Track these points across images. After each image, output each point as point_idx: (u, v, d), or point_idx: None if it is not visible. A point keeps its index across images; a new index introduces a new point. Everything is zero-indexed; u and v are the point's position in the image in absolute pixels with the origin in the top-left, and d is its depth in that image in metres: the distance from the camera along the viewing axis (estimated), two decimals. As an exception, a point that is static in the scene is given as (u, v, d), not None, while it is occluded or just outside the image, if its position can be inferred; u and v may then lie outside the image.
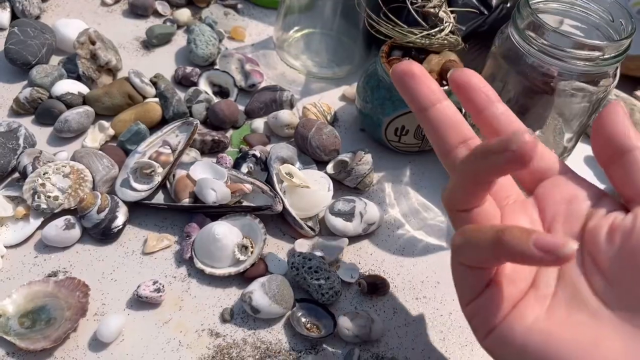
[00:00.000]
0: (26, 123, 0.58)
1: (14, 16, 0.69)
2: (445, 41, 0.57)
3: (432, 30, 0.56)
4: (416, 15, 0.57)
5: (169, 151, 0.54)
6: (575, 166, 0.63)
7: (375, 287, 0.49)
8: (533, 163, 0.31)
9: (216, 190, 0.51)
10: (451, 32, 0.58)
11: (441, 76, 0.56)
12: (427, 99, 0.38)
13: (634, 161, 0.33)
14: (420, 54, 0.58)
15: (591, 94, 0.50)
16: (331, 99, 0.66)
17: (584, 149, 0.66)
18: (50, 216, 0.51)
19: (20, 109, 0.59)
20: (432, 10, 0.57)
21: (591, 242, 0.33)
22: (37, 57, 0.62)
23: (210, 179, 0.51)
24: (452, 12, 0.58)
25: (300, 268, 0.47)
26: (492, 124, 0.38)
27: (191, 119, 0.57)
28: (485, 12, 0.65)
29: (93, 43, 0.62)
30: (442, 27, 0.56)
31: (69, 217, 0.50)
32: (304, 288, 0.48)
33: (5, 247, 0.49)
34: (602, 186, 0.62)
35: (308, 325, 0.47)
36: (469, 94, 0.38)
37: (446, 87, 0.55)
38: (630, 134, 0.33)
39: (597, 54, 0.46)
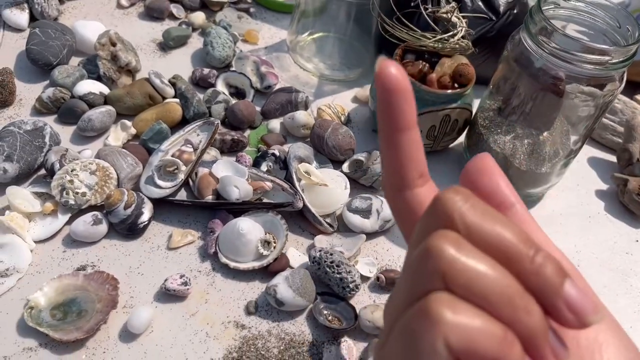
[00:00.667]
0: (49, 122, 0.59)
1: (32, 17, 0.71)
2: (457, 45, 0.59)
3: (446, 35, 0.58)
4: (429, 20, 0.59)
5: (191, 150, 0.56)
6: (579, 165, 0.66)
7: (394, 281, 0.51)
8: None
9: (239, 188, 0.52)
10: (463, 37, 0.60)
11: (453, 79, 0.58)
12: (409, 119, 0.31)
13: (519, 220, 0.26)
14: (432, 57, 0.60)
15: (597, 98, 0.52)
16: (344, 101, 0.68)
17: (588, 150, 0.68)
18: (77, 212, 0.52)
19: (43, 108, 0.60)
20: (445, 15, 0.59)
21: None
22: (58, 58, 0.64)
23: (233, 176, 0.53)
24: (463, 17, 0.60)
25: (322, 262, 0.49)
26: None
27: (212, 118, 0.58)
28: (494, 18, 0.68)
29: (114, 44, 0.63)
30: (455, 31, 0.58)
31: (96, 213, 0.51)
32: (324, 282, 0.50)
33: (35, 241, 0.50)
34: (604, 187, 0.64)
35: (330, 318, 0.48)
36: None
37: (459, 90, 0.57)
38: (509, 191, 0.26)
39: (605, 58, 0.48)
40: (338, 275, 0.49)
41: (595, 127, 0.57)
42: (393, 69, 0.26)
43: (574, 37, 0.49)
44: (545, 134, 0.58)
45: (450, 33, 0.58)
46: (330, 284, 0.50)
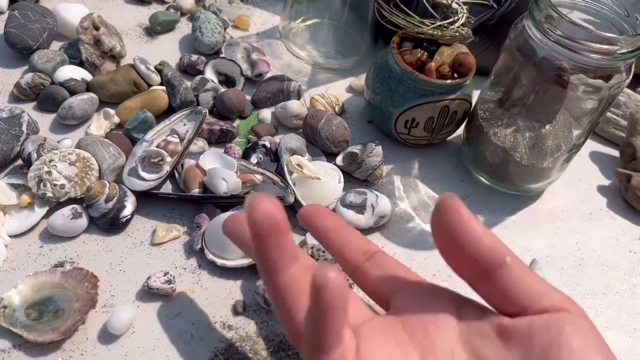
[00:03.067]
0: (28, 109, 0.56)
1: (11, -1, 0.67)
2: (457, 33, 0.57)
3: (445, 22, 0.55)
4: (427, 6, 0.56)
5: (177, 140, 0.53)
6: (581, 160, 0.64)
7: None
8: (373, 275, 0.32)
9: (227, 181, 0.50)
10: (462, 24, 0.57)
11: (453, 68, 0.56)
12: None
13: (511, 277, 0.29)
14: (430, 45, 0.57)
15: (602, 90, 0.50)
16: (338, 90, 0.66)
17: (590, 145, 0.66)
18: (55, 205, 0.49)
19: (21, 94, 0.57)
20: (444, 1, 0.56)
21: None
22: (38, 42, 0.60)
23: (221, 169, 0.51)
24: (464, 4, 0.58)
25: (315, 260, 0.47)
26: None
27: (200, 107, 0.56)
28: (495, 5, 0.65)
29: (97, 28, 0.60)
30: (455, 18, 0.56)
31: (75, 206, 0.48)
32: None
33: (10, 236, 0.47)
34: (607, 182, 0.62)
35: (321, 318, 0.46)
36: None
37: (458, 80, 0.55)
38: (500, 247, 0.29)
39: (614, 47, 0.46)
40: None
41: (599, 121, 0.54)
42: (263, 205, 0.27)
43: (581, 25, 0.47)
44: (547, 127, 0.56)
45: (451, 20, 0.55)
46: None
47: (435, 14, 0.56)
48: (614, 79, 0.49)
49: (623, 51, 0.46)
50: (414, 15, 0.56)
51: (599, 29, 0.50)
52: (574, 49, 0.47)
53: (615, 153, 0.65)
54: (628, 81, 0.50)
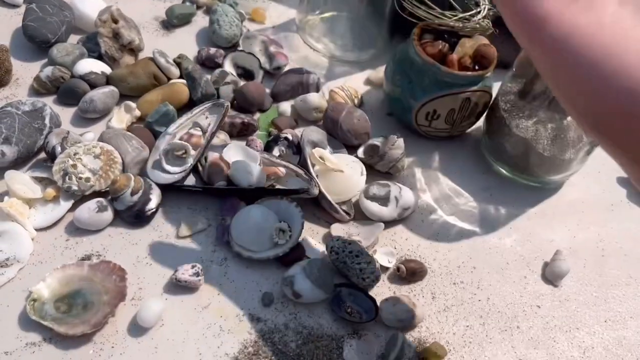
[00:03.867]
0: (48, 103, 0.56)
1: (27, -7, 0.67)
2: (478, 25, 0.57)
3: (468, 14, 0.55)
4: (449, -1, 0.56)
5: (200, 133, 0.53)
6: (600, 152, 0.63)
7: (414, 272, 0.49)
8: None
9: (253, 174, 0.50)
10: (484, 16, 0.57)
11: (474, 60, 0.56)
12: None
13: None
14: (451, 37, 0.57)
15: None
16: (356, 83, 0.65)
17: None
18: (80, 198, 0.49)
19: (41, 88, 0.57)
20: (466, -7, 0.56)
21: None
22: (56, 35, 0.60)
23: (246, 161, 0.50)
24: (485, -5, 0.57)
25: (340, 252, 0.47)
26: None
27: (221, 100, 0.56)
28: (513, -3, 0.65)
29: (115, 21, 0.60)
30: (478, 10, 0.55)
31: (100, 199, 0.48)
32: (343, 272, 0.48)
33: (36, 229, 0.47)
34: (627, 173, 0.62)
35: (349, 310, 0.46)
36: None
37: (481, 72, 0.55)
38: None
39: None
40: (358, 266, 0.46)
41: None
42: None
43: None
44: (569, 118, 0.55)
45: (473, 11, 0.55)
46: (349, 275, 0.47)
47: (456, 6, 0.56)
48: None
49: None
50: (435, 7, 0.56)
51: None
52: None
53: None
54: None
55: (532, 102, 0.55)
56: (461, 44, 0.56)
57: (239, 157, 0.52)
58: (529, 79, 0.54)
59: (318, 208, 0.53)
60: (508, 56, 0.58)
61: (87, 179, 0.48)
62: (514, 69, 0.56)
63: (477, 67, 0.56)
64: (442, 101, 0.56)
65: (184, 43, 0.66)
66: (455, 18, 0.55)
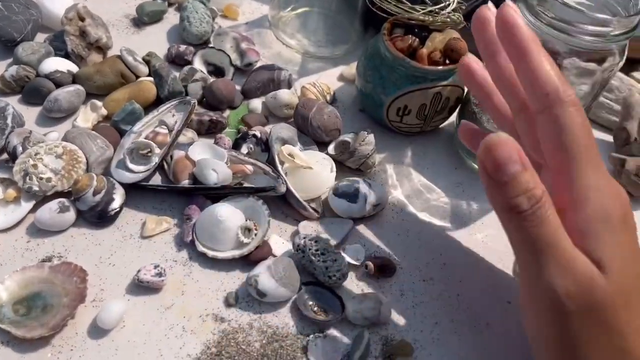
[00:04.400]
0: (13, 102, 0.55)
1: (-5, -9, 0.66)
2: (448, 19, 0.56)
3: (436, 7, 0.54)
4: (418, -8, 0.55)
5: (166, 131, 0.52)
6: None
7: (382, 268, 0.48)
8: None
9: (217, 171, 0.49)
10: (453, 9, 0.56)
11: (445, 54, 0.55)
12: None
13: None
14: (422, 32, 0.57)
15: (596, 74, 0.49)
16: (329, 79, 0.65)
17: (583, 130, 0.65)
18: (42, 199, 0.48)
19: (5, 87, 0.56)
20: (435, -14, 0.55)
21: None
22: (22, 34, 0.59)
23: (211, 159, 0.50)
24: (455, -12, 0.57)
25: (306, 250, 0.46)
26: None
27: (188, 98, 0.55)
28: (486, -10, 0.64)
29: (82, 19, 0.59)
30: (446, 3, 0.55)
31: (62, 199, 0.48)
32: (309, 271, 0.47)
33: (-4, 231, 0.47)
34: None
35: (315, 309, 0.45)
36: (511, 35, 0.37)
37: (451, 66, 0.54)
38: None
39: (606, 29, 0.45)
40: (323, 264, 0.46)
41: (592, 105, 0.54)
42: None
43: (574, 7, 0.46)
44: (540, 112, 0.55)
45: (442, 5, 0.55)
46: (315, 273, 0.47)
47: (426, 0, 0.55)
48: (607, 61, 0.49)
49: (616, 33, 0.46)
50: (405, 1, 0.55)
51: (593, 11, 0.49)
52: (566, 31, 0.46)
53: (609, 138, 0.64)
54: (621, 64, 0.50)
55: (503, 95, 0.54)
56: (431, 39, 0.55)
57: (206, 155, 0.51)
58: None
59: (286, 206, 0.52)
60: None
61: (49, 179, 0.48)
62: (484, 63, 0.55)
63: (447, 62, 0.55)
64: (413, 96, 0.55)
65: (154, 41, 0.66)
66: (423, 11, 0.54)
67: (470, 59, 0.44)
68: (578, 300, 0.33)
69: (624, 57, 0.49)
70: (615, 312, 0.34)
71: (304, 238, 0.47)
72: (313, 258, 0.46)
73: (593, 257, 0.34)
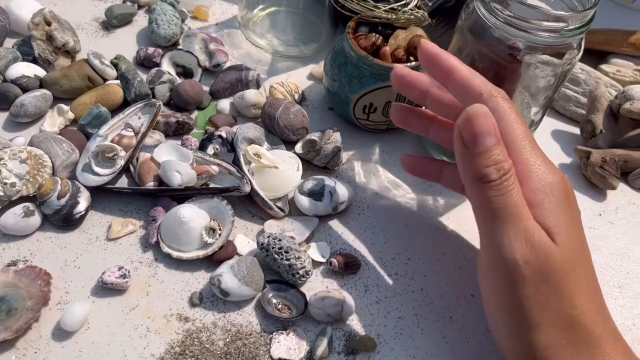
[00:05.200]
0: (-20, 108, 0.55)
1: (-37, -3, 0.66)
2: (412, 16, 0.56)
3: (397, 4, 0.55)
4: (381, -11, 0.56)
5: (132, 134, 0.53)
6: (542, 139, 0.64)
7: (347, 265, 0.48)
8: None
9: (181, 173, 0.49)
10: (417, 7, 0.57)
11: (408, 52, 0.56)
12: None
13: None
14: (386, 29, 0.57)
15: (556, 67, 0.50)
16: (299, 78, 0.65)
17: (551, 123, 0.66)
18: (7, 204, 0.49)
19: (-27, 93, 0.56)
20: (397, -16, 0.56)
21: None
22: (-11, 40, 0.59)
23: (175, 161, 0.50)
24: (418, -14, 0.57)
25: (269, 249, 0.47)
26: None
27: (154, 100, 0.55)
28: (452, -13, 0.65)
29: (49, 24, 0.59)
30: (407, 0, 0.55)
31: (27, 204, 0.48)
32: (273, 269, 0.48)
33: (-39, 237, 0.47)
34: (568, 160, 0.62)
35: (279, 306, 0.46)
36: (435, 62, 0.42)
37: (413, 63, 0.55)
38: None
39: (561, 25, 0.46)
40: (287, 262, 0.46)
41: (555, 97, 0.54)
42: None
43: (529, 4, 0.47)
44: (505, 106, 0.56)
45: (403, 2, 0.55)
46: (279, 271, 0.47)
47: (391, -3, 0.56)
48: (566, 55, 0.49)
49: (571, 27, 0.46)
50: (368, 0, 0.55)
51: (552, 7, 0.50)
52: (523, 28, 0.47)
53: (577, 131, 0.65)
54: (579, 56, 0.50)
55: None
56: (394, 36, 0.56)
57: (171, 156, 0.52)
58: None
59: (253, 205, 0.53)
60: (447, 47, 0.58)
61: (13, 184, 0.48)
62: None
63: (411, 59, 0.56)
64: (377, 94, 0.56)
65: (124, 44, 0.66)
66: (384, 8, 0.55)
67: (398, 67, 0.47)
68: (534, 266, 0.36)
69: (582, 49, 0.50)
70: (566, 278, 0.36)
71: (268, 237, 0.47)
72: (277, 256, 0.46)
73: (543, 225, 0.37)
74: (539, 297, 0.36)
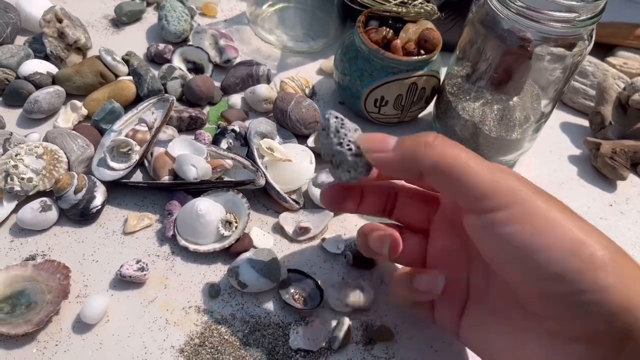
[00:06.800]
0: (-6, 105, 0.56)
1: (-27, -4, 0.66)
2: (422, 10, 0.57)
3: (409, -2, 0.55)
4: (392, -16, 0.56)
5: (146, 129, 0.53)
6: (551, 131, 0.64)
7: (361, 259, 0.49)
8: None
9: (197, 166, 0.49)
10: (426, 0, 0.57)
11: (419, 45, 0.56)
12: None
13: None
14: (396, 23, 0.57)
15: (567, 59, 0.50)
16: (308, 73, 0.66)
17: (560, 116, 0.66)
18: (24, 199, 0.49)
19: (-14, 91, 0.56)
20: (407, -22, 0.56)
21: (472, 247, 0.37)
22: (1, 37, 0.60)
23: (190, 155, 0.50)
24: (427, -20, 0.58)
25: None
26: None
27: (167, 95, 0.55)
28: (460, -20, 0.65)
29: (60, 21, 0.60)
30: (418, -6, 0.56)
31: (44, 199, 0.48)
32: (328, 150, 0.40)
33: (-21, 232, 0.47)
34: (577, 152, 0.63)
35: (296, 297, 0.46)
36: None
37: (424, 56, 0.55)
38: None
39: (573, 15, 0.46)
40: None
41: (565, 89, 0.55)
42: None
43: (541, -6, 0.47)
44: (515, 99, 0.56)
45: (413, -4, 0.55)
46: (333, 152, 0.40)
47: (400, -9, 0.56)
48: (577, 46, 0.50)
49: (583, 18, 0.47)
50: (378, -7, 0.56)
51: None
52: (535, 18, 0.47)
53: (586, 123, 0.65)
54: (590, 48, 0.51)
55: (477, 82, 0.55)
56: (405, 30, 0.56)
57: (185, 151, 0.52)
58: (472, 61, 0.54)
59: (267, 198, 0.53)
60: (456, 40, 0.58)
61: (30, 179, 0.48)
62: (457, 52, 0.56)
63: (422, 52, 0.56)
64: (389, 87, 0.56)
65: (134, 40, 0.66)
66: (395, 2, 0.55)
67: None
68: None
69: (592, 41, 0.50)
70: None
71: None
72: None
73: None
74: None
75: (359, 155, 0.38)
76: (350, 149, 0.38)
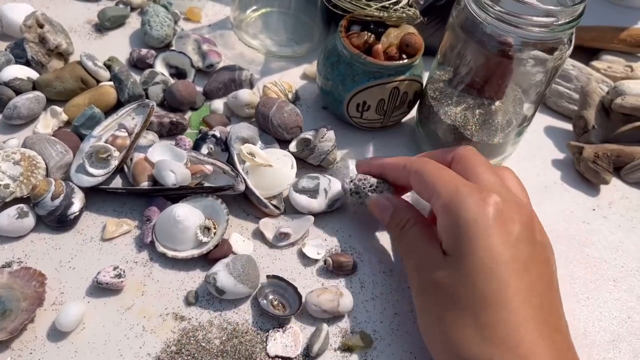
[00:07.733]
0: (-27, 111, 0.55)
1: (-45, 1, 0.66)
2: (404, 14, 0.57)
3: (388, 2, 0.55)
4: (373, -12, 0.56)
5: (125, 134, 0.52)
6: (535, 135, 0.64)
7: (341, 265, 0.48)
8: None
9: (175, 172, 0.49)
10: (409, 5, 0.57)
11: (400, 49, 0.56)
12: None
13: None
14: (378, 28, 0.57)
15: (547, 62, 0.50)
16: (292, 78, 0.65)
17: (544, 120, 0.66)
18: (1, 205, 0.48)
19: (-35, 96, 0.56)
20: (389, -18, 0.56)
21: None
22: (-19, 43, 0.59)
23: (168, 160, 0.50)
24: (409, -16, 0.58)
25: (360, 190, 0.50)
26: None
27: (147, 100, 0.55)
28: (443, -15, 0.65)
29: (41, 26, 0.59)
30: (399, -1, 0.55)
31: (21, 205, 0.48)
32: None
33: (-45, 239, 0.47)
34: (561, 156, 0.63)
35: (275, 303, 0.46)
36: None
37: (406, 61, 0.55)
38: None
39: (551, 19, 0.46)
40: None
41: (546, 92, 0.55)
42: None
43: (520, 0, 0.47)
44: (497, 103, 0.56)
45: (394, 0, 0.55)
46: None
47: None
48: (557, 50, 0.50)
49: (561, 22, 0.47)
50: (361, -2, 0.56)
51: (542, 2, 0.50)
52: (514, 23, 0.47)
53: (570, 127, 0.65)
54: (570, 51, 0.51)
55: (458, 87, 0.55)
56: (386, 34, 0.56)
57: (165, 156, 0.52)
58: (453, 65, 0.54)
59: (248, 204, 0.53)
60: (439, 45, 0.58)
61: (7, 186, 0.48)
62: (438, 56, 0.56)
63: (404, 56, 0.56)
64: (371, 92, 0.56)
65: (117, 45, 0.66)
66: (376, 7, 0.55)
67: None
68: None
69: (572, 45, 0.50)
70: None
71: (351, 181, 0.50)
72: (370, 195, 0.49)
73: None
74: None
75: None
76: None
